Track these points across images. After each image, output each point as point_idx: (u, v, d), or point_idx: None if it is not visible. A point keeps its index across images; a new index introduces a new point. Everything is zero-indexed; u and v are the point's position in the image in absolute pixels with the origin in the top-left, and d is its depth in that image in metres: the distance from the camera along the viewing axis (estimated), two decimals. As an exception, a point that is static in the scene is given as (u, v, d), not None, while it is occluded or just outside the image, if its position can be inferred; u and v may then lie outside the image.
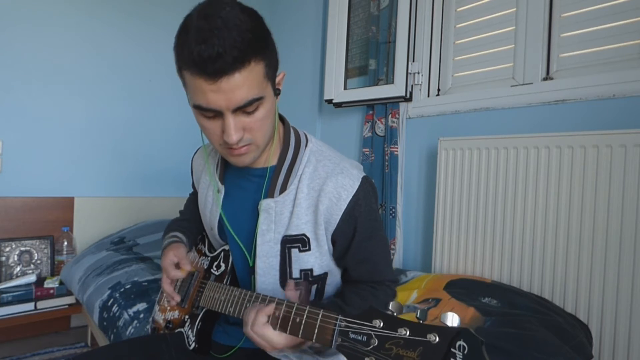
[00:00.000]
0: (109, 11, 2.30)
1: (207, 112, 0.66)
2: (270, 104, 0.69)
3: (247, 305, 0.71)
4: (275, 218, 0.77)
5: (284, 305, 0.64)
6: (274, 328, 0.63)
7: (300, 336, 0.60)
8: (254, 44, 0.62)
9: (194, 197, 1.07)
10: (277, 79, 0.73)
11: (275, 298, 0.68)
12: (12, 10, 2.00)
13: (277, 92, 0.73)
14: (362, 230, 0.76)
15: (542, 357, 0.98)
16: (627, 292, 1.22)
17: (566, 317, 1.25)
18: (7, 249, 1.97)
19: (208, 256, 0.94)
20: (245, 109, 0.65)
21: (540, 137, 1.41)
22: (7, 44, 2.00)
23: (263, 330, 0.63)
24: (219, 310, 0.79)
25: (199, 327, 0.84)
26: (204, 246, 0.99)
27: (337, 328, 0.55)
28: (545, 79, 1.55)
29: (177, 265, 0.86)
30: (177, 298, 0.87)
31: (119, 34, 2.34)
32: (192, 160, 0.99)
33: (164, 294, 1.04)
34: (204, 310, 0.85)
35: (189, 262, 0.87)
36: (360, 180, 0.76)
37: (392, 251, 1.92)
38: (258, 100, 0.66)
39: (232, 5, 0.63)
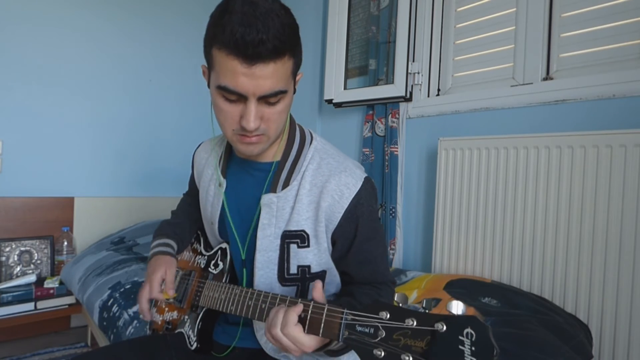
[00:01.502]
0: (111, 10, 2.30)
1: (230, 95, 0.66)
2: (289, 100, 0.72)
3: (249, 303, 0.71)
4: (276, 213, 0.77)
5: (287, 303, 0.64)
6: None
7: (306, 331, 0.59)
8: (292, 39, 0.66)
9: (188, 197, 1.07)
10: (297, 78, 0.75)
11: (277, 295, 0.68)
12: (12, 10, 2.00)
13: (294, 91, 0.75)
14: (364, 231, 0.76)
15: (542, 357, 0.98)
16: (627, 292, 1.22)
17: (566, 317, 1.25)
18: (7, 249, 1.97)
19: (204, 255, 0.94)
20: (269, 99, 0.67)
21: (540, 137, 1.41)
22: (7, 44, 2.00)
23: (295, 332, 0.59)
24: (220, 310, 0.79)
25: (199, 326, 0.84)
26: (200, 245, 0.99)
27: (343, 322, 0.55)
28: (545, 79, 1.55)
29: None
30: (147, 318, 0.88)
31: (119, 33, 2.34)
32: (193, 155, 0.99)
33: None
34: (203, 310, 0.85)
35: (174, 288, 0.87)
36: (362, 180, 0.76)
37: (392, 251, 1.92)
38: (282, 93, 0.68)
39: (270, 1, 0.65)
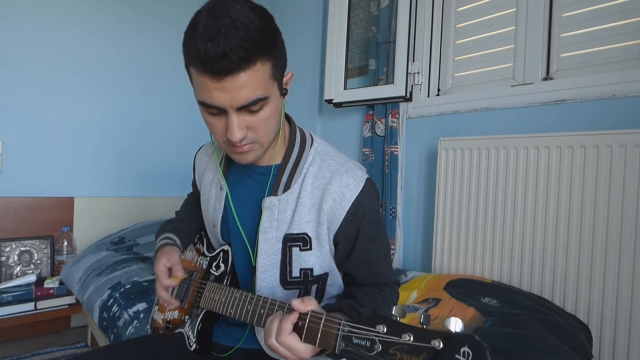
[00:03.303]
0: (116, 8, 2.30)
1: (211, 109, 0.66)
2: (275, 104, 0.69)
3: (248, 307, 0.71)
4: (277, 216, 0.77)
5: (285, 309, 0.63)
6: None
7: (303, 340, 0.59)
8: (262, 44, 0.62)
9: (192, 197, 1.07)
10: (285, 79, 0.73)
11: (276, 301, 0.68)
12: (12, 9, 2.00)
13: (284, 92, 0.73)
14: (366, 233, 0.76)
15: (542, 357, 0.98)
16: (627, 292, 1.22)
17: (566, 317, 1.25)
18: (7, 249, 1.97)
19: (207, 256, 0.94)
20: (249, 108, 0.66)
21: (540, 137, 1.41)
22: (7, 43, 2.00)
23: (289, 340, 0.59)
24: (220, 312, 0.78)
25: (199, 328, 0.84)
26: (203, 246, 0.99)
27: (340, 333, 0.54)
28: (545, 79, 1.55)
29: (170, 271, 0.85)
30: (176, 303, 0.86)
31: (122, 32, 2.34)
32: (194, 158, 0.99)
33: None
34: (204, 311, 0.85)
35: (182, 269, 0.85)
36: (364, 181, 0.76)
37: (392, 251, 1.92)
38: (262, 100, 0.66)
39: (242, 3, 0.62)
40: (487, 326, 1.12)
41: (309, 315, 0.59)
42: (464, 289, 1.36)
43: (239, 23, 0.60)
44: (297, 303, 0.61)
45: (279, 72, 0.69)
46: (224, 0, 0.63)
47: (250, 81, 0.63)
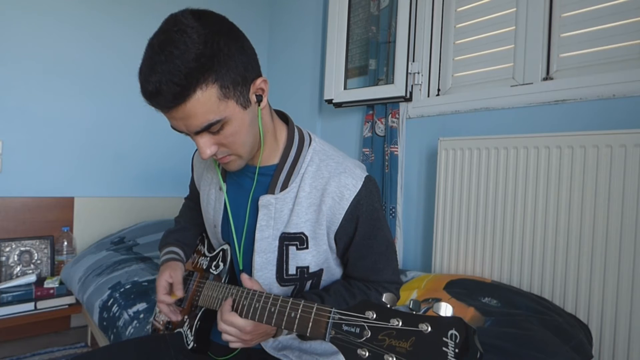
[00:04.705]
0: (115, 8, 2.30)
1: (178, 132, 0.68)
2: (238, 120, 0.67)
3: (244, 302, 0.71)
4: (274, 214, 0.77)
5: (280, 301, 0.64)
6: (270, 324, 0.63)
7: (295, 331, 0.59)
8: (199, 72, 0.59)
9: (190, 201, 1.07)
10: (255, 87, 0.69)
11: (270, 294, 0.68)
12: (13, 9, 2.00)
13: (258, 99, 0.70)
14: (363, 229, 0.76)
15: (542, 356, 0.98)
16: (627, 292, 1.22)
17: (566, 317, 1.25)
18: (7, 249, 1.97)
19: (207, 256, 0.94)
20: (207, 130, 0.65)
21: (540, 137, 1.41)
22: (7, 43, 2.00)
23: (231, 317, 0.67)
24: (217, 309, 0.79)
25: (197, 326, 0.84)
26: (204, 246, 0.99)
27: (330, 321, 0.54)
28: (545, 79, 1.55)
29: (171, 286, 0.87)
30: (176, 317, 0.88)
31: (121, 32, 2.34)
32: (193, 158, 0.99)
33: None
34: (202, 309, 0.85)
35: (182, 288, 0.87)
36: (363, 179, 0.76)
37: (392, 251, 1.92)
38: (216, 123, 0.64)
39: (184, 26, 0.60)
40: (487, 326, 1.12)
41: (301, 306, 0.60)
42: (464, 289, 1.36)
43: (175, 55, 0.58)
44: (247, 279, 0.71)
45: (232, 89, 0.64)
46: (168, 24, 0.62)
47: (194, 110, 0.61)
